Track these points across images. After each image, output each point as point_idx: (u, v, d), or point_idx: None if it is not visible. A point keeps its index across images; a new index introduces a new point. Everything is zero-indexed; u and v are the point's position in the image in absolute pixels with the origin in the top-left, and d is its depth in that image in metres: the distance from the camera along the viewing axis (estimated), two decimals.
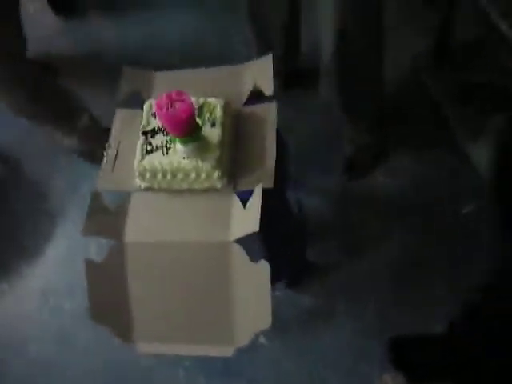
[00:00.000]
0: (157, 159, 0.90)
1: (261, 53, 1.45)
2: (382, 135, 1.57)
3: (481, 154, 1.49)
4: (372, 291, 1.37)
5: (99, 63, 1.98)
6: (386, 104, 1.51)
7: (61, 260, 1.58)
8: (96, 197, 0.95)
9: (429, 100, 1.65)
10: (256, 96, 1.04)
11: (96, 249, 1.56)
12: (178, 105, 0.79)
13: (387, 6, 1.23)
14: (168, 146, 0.91)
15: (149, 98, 1.06)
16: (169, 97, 0.80)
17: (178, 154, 0.89)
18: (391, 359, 1.27)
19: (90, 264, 0.92)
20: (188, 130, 0.83)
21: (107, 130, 1.05)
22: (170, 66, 1.09)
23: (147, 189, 0.94)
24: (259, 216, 0.82)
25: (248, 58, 1.07)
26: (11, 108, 1.48)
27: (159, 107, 0.79)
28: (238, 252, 0.86)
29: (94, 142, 1.63)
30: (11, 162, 1.82)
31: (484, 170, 1.48)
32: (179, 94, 0.80)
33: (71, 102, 1.61)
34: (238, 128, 0.98)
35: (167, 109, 0.79)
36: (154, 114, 0.96)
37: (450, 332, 1.18)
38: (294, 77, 1.70)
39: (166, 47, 1.97)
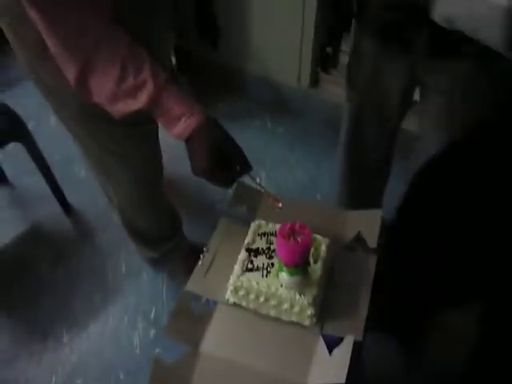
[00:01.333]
0: (255, 279, 0.91)
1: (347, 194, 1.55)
2: None
3: None
4: None
5: None
6: None
7: (102, 340, 1.55)
8: (184, 297, 0.96)
9: None
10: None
11: (139, 340, 1.53)
12: (300, 237, 0.82)
13: None
14: (269, 269, 0.92)
15: (254, 215, 1.11)
16: (292, 228, 0.84)
17: (278, 281, 0.90)
18: None
19: (157, 363, 0.90)
20: (300, 263, 0.85)
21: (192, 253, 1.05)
22: None
23: (234, 304, 0.94)
24: (347, 368, 0.80)
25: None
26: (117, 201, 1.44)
27: (281, 235, 0.83)
28: None
29: (173, 263, 1.67)
30: (86, 224, 1.90)
31: None
32: (303, 227, 0.84)
33: (171, 220, 1.58)
34: (335, 269, 0.99)
35: (289, 238, 0.82)
36: (261, 235, 1.00)
37: None
38: None
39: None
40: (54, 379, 1.47)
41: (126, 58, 0.80)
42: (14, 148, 1.73)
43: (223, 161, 0.86)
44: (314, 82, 2.30)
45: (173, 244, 1.58)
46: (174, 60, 2.61)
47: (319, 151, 2.14)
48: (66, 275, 1.72)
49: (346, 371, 0.79)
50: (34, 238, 1.87)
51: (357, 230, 1.06)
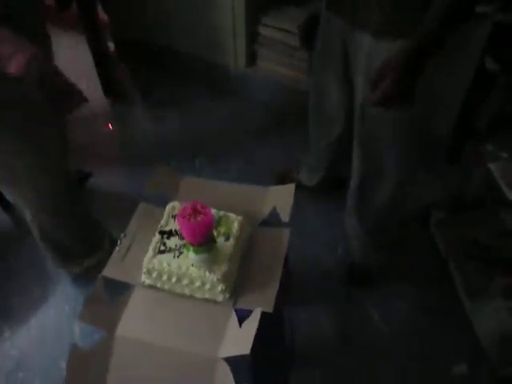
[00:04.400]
0: (166, 260, 0.93)
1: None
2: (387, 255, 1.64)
3: (480, 322, 1.51)
4: None
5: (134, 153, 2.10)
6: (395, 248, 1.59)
7: (44, 332, 1.55)
8: (101, 283, 0.97)
9: (436, 252, 1.71)
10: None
11: (80, 329, 1.53)
12: (200, 217, 0.84)
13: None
14: (181, 250, 0.94)
15: (173, 199, 1.12)
16: (193, 207, 0.85)
17: (188, 260, 0.92)
18: None
19: (75, 349, 0.91)
20: (203, 241, 0.87)
21: None
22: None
23: (150, 286, 0.96)
24: (252, 339, 0.83)
25: None
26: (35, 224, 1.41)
27: (182, 215, 0.84)
28: (224, 370, 0.85)
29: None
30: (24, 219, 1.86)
31: (483, 340, 1.48)
32: (203, 206, 0.85)
33: (94, 233, 1.56)
34: (249, 246, 1.02)
35: (189, 218, 0.84)
36: (175, 217, 1.01)
37: None
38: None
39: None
40: None
41: None
42: None
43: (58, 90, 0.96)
44: (251, 60, 2.30)
45: (96, 260, 1.54)
46: (112, 47, 2.58)
47: (259, 133, 2.16)
48: (3, 270, 1.70)
49: (251, 343, 0.82)
50: None
51: (272, 205, 1.09)
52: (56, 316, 1.58)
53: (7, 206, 1.90)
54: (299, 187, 1.78)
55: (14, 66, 0.87)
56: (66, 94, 0.97)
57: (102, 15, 2.36)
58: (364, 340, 1.52)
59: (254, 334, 0.84)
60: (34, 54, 0.90)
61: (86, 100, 1.00)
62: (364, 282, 1.65)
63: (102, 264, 1.52)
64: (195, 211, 0.85)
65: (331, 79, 1.35)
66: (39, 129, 1.20)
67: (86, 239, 1.51)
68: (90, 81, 2.29)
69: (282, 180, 1.87)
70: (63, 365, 1.47)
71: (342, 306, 1.59)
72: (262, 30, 2.15)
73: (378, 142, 1.24)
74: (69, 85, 0.97)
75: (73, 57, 2.05)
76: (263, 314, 0.88)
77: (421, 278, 1.67)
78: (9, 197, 1.89)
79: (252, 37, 2.20)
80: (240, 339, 0.86)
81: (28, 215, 1.37)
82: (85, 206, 1.47)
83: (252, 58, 2.29)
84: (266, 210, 1.09)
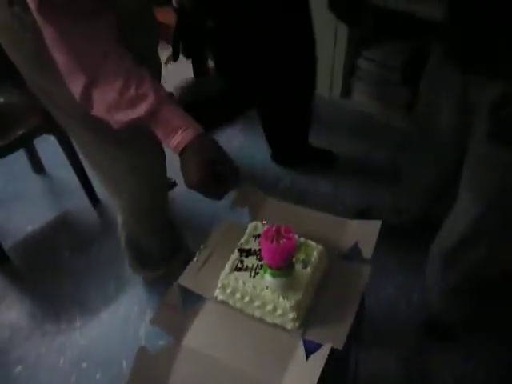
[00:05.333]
0: (242, 279, 0.92)
1: None
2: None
3: None
4: None
5: None
6: None
7: (111, 328, 1.61)
8: (175, 290, 0.98)
9: None
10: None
11: (145, 332, 1.57)
12: (283, 241, 0.83)
13: None
14: (257, 270, 0.93)
15: (255, 217, 1.12)
16: (277, 230, 0.84)
17: (264, 282, 0.91)
18: None
19: (142, 351, 0.93)
20: (282, 265, 0.86)
21: None
22: None
23: (222, 302, 0.96)
24: (318, 377, 0.80)
25: None
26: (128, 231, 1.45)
27: (265, 236, 0.84)
28: None
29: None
30: (110, 217, 1.95)
31: None
32: (287, 230, 0.85)
33: (174, 238, 1.57)
34: (326, 277, 0.99)
35: (272, 241, 0.83)
36: (256, 236, 1.01)
37: None
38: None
39: None
40: (62, 360, 1.54)
41: (129, 71, 0.84)
42: (54, 140, 1.83)
43: (215, 174, 0.88)
44: (346, 92, 2.29)
45: (170, 269, 1.56)
46: (212, 64, 2.68)
47: (344, 165, 2.12)
48: (85, 263, 1.79)
49: (317, 379, 0.79)
50: (61, 226, 1.97)
51: (355, 239, 1.05)
52: (125, 315, 1.63)
53: (97, 203, 2.02)
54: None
55: (176, 140, 0.85)
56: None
57: None
58: None
59: (320, 371, 0.80)
60: (200, 135, 0.87)
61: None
62: (441, 337, 1.54)
63: (173, 273, 1.59)
64: (278, 234, 0.84)
65: (441, 120, 1.30)
66: (150, 145, 1.18)
67: (167, 247, 1.54)
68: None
69: (359, 215, 1.82)
70: (124, 363, 1.51)
71: (412, 357, 1.49)
72: (362, 64, 2.14)
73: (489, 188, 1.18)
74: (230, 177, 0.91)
75: (175, 70, 2.14)
76: (331, 351, 0.85)
77: (508, 343, 1.52)
78: (100, 195, 2.01)
79: (351, 69, 2.20)
80: (304, 373, 0.83)
81: (119, 218, 1.43)
82: (170, 215, 1.50)
83: (348, 91, 2.28)
84: (347, 244, 1.06)
